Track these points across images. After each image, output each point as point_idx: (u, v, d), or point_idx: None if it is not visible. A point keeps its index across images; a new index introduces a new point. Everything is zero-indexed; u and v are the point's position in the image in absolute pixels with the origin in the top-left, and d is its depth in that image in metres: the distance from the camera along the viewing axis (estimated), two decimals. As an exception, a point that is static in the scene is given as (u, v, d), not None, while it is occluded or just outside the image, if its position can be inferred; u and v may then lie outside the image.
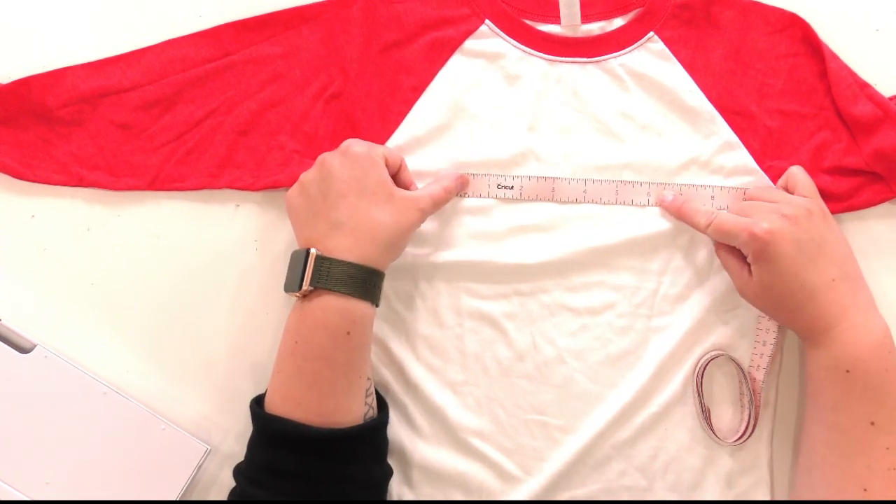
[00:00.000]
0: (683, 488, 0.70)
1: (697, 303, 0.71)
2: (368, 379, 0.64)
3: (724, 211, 0.70)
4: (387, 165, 0.67)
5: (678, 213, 0.71)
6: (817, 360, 0.64)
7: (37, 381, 0.69)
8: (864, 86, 0.72)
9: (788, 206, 0.65)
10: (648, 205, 0.72)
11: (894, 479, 0.59)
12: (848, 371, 0.61)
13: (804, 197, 0.67)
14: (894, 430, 0.60)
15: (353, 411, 0.63)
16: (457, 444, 0.70)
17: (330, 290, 0.61)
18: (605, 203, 0.72)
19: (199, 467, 0.70)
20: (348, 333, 0.62)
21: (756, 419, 0.70)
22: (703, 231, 0.68)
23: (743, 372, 0.70)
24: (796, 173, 0.69)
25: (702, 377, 0.70)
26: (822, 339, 0.63)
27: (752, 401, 0.69)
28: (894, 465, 0.60)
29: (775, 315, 0.67)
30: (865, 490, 0.60)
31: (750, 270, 0.65)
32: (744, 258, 0.66)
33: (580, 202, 0.72)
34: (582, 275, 0.71)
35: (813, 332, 0.64)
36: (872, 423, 0.60)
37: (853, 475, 0.61)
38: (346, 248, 0.62)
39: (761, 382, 0.70)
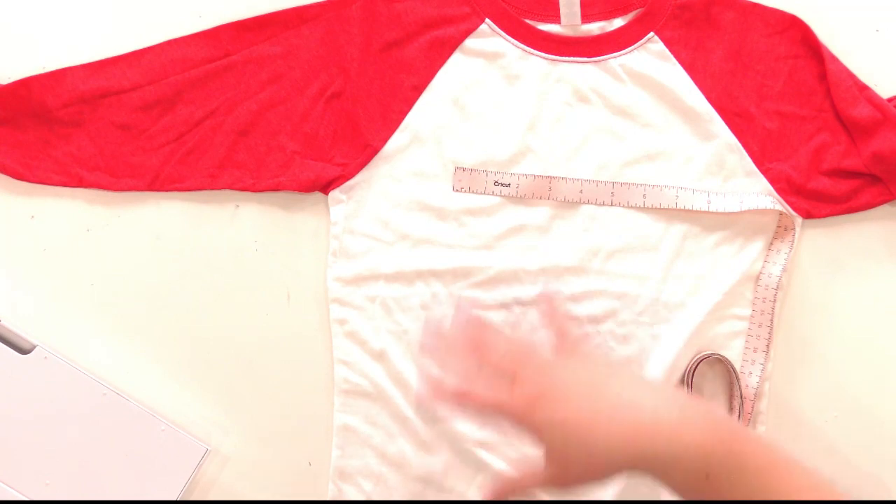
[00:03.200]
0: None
1: (697, 309, 0.71)
2: None
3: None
4: None
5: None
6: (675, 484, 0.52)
7: (37, 382, 0.69)
8: (863, 88, 0.72)
9: (521, 388, 0.55)
10: (644, 207, 0.72)
11: None
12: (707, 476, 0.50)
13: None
14: None
15: None
16: (461, 455, 0.70)
17: None
18: (600, 204, 0.72)
19: (199, 467, 0.70)
20: None
21: (746, 422, 0.70)
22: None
23: (735, 373, 0.70)
24: None
25: (692, 377, 0.71)
26: (655, 466, 0.51)
27: (742, 403, 0.70)
28: None
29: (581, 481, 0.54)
30: None
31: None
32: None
33: (577, 202, 0.72)
34: (583, 283, 0.71)
35: (643, 460, 0.51)
36: None
37: None
38: None
39: (753, 389, 0.70)
